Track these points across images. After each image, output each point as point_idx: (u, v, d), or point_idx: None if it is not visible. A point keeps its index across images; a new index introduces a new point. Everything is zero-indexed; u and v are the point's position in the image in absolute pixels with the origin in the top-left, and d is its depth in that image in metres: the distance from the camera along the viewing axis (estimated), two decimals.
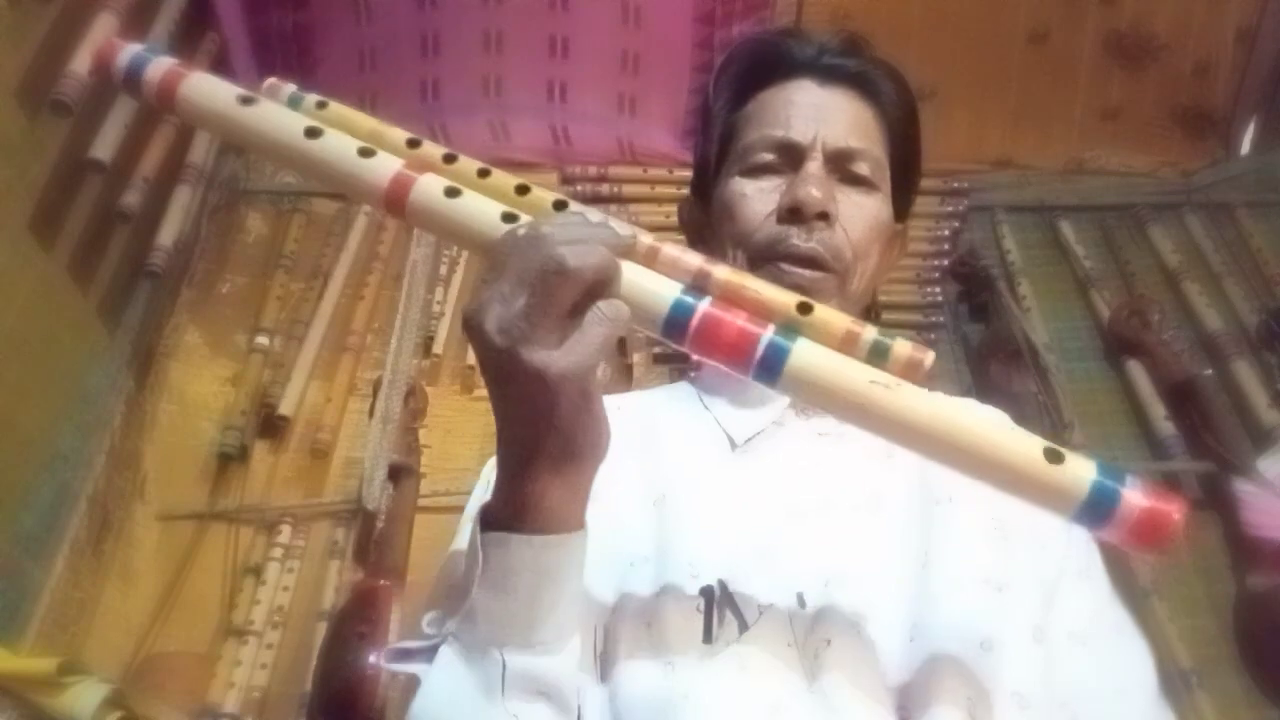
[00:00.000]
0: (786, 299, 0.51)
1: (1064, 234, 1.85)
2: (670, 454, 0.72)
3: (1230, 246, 1.82)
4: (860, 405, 0.48)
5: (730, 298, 0.50)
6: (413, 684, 0.56)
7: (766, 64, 0.81)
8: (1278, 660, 1.34)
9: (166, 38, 1.52)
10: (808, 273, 0.73)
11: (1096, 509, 0.47)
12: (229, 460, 1.52)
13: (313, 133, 0.54)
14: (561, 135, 1.85)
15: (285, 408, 1.54)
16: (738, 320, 0.49)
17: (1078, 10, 1.85)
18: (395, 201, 0.53)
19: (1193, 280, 1.77)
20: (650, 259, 0.51)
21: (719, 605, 0.61)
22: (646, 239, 0.51)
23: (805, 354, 0.49)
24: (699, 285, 0.51)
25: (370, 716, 1.20)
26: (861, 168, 0.76)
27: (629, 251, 0.50)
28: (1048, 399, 1.59)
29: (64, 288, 1.35)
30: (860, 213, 0.75)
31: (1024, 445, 0.48)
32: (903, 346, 0.50)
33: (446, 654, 0.53)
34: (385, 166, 0.53)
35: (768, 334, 0.49)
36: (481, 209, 0.52)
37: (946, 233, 1.82)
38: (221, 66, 1.73)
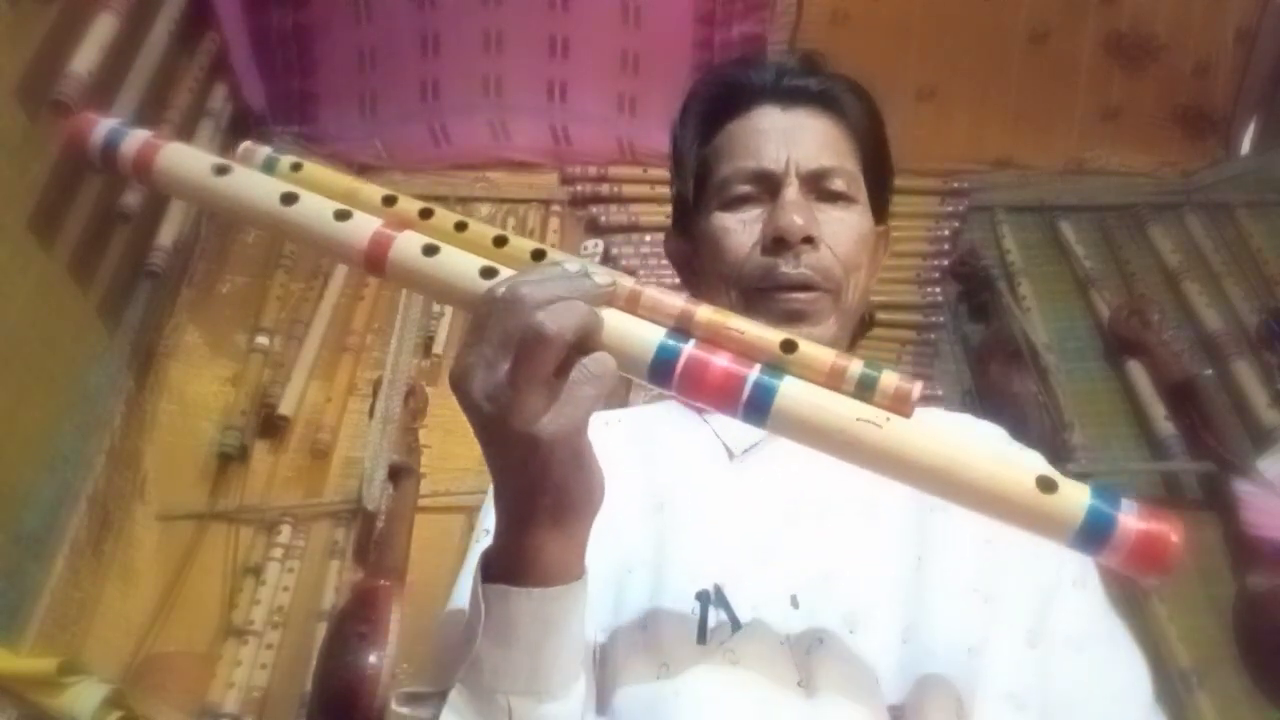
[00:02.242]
0: (770, 337, 0.50)
1: (1064, 234, 1.85)
2: (669, 464, 0.73)
3: (1230, 246, 1.82)
4: (849, 443, 0.49)
5: (714, 339, 0.50)
6: None
7: (729, 95, 0.82)
8: (1278, 660, 1.34)
9: (166, 38, 1.52)
10: (801, 295, 0.74)
11: (1092, 535, 0.47)
12: (229, 460, 1.52)
13: (289, 199, 0.55)
14: (561, 135, 1.85)
15: (285, 408, 1.54)
16: (723, 361, 0.50)
17: (1078, 10, 1.85)
18: (375, 262, 0.53)
19: (1193, 280, 1.77)
20: (632, 303, 0.51)
21: (713, 607, 0.62)
22: (627, 283, 0.51)
23: (792, 392, 0.49)
24: (682, 327, 0.51)
25: (370, 716, 1.20)
26: (837, 184, 0.77)
27: (610, 298, 0.50)
28: (1048, 399, 1.59)
29: (64, 288, 1.35)
30: (843, 228, 0.76)
31: (1016, 476, 0.48)
32: (889, 378, 0.50)
33: (454, 700, 0.53)
34: (363, 228, 0.54)
35: (754, 373, 0.49)
36: (460, 266, 0.52)
37: (946, 233, 1.82)
38: (221, 66, 1.74)
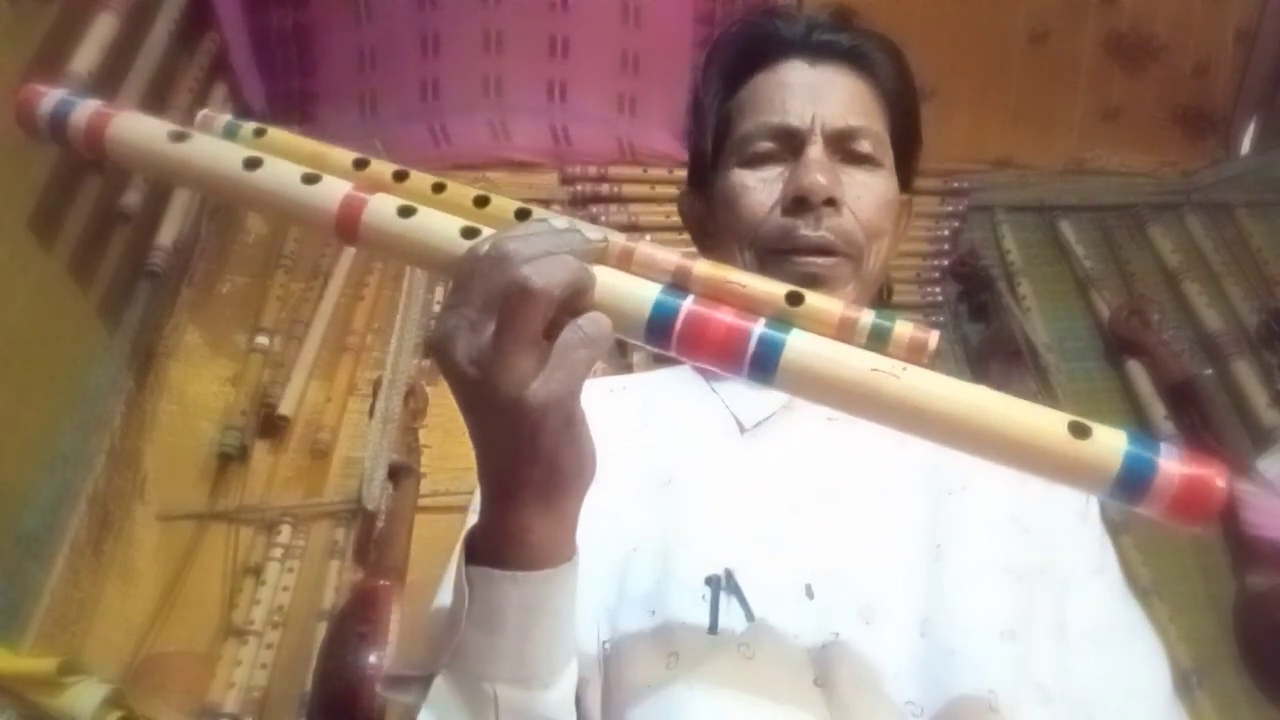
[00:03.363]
0: (774, 290, 0.47)
1: (1064, 234, 1.85)
2: (676, 437, 0.70)
3: (1230, 246, 1.82)
4: (865, 396, 0.45)
5: (714, 294, 0.47)
6: (408, 713, 0.54)
7: (756, 47, 0.78)
8: (1278, 660, 1.34)
9: (167, 38, 1.52)
10: (821, 260, 0.71)
11: (1132, 483, 0.43)
12: (229, 460, 1.52)
13: (252, 163, 0.51)
14: (561, 135, 1.85)
15: (285, 408, 1.54)
16: (725, 316, 0.46)
17: (1078, 10, 1.85)
18: (347, 227, 0.49)
19: (1193, 280, 1.77)
20: (625, 260, 0.48)
21: (725, 594, 0.59)
22: (619, 239, 0.48)
23: (801, 345, 0.46)
24: (679, 283, 0.47)
25: (370, 716, 1.20)
26: (863, 146, 0.74)
27: (601, 255, 0.47)
28: (1048, 399, 1.59)
29: (64, 288, 1.35)
30: (867, 192, 0.73)
31: (1046, 421, 0.44)
32: (904, 328, 0.46)
33: (439, 686, 0.51)
34: (333, 191, 0.50)
35: (759, 328, 0.46)
36: (439, 226, 0.48)
37: (946, 233, 1.82)
38: (221, 66, 1.74)
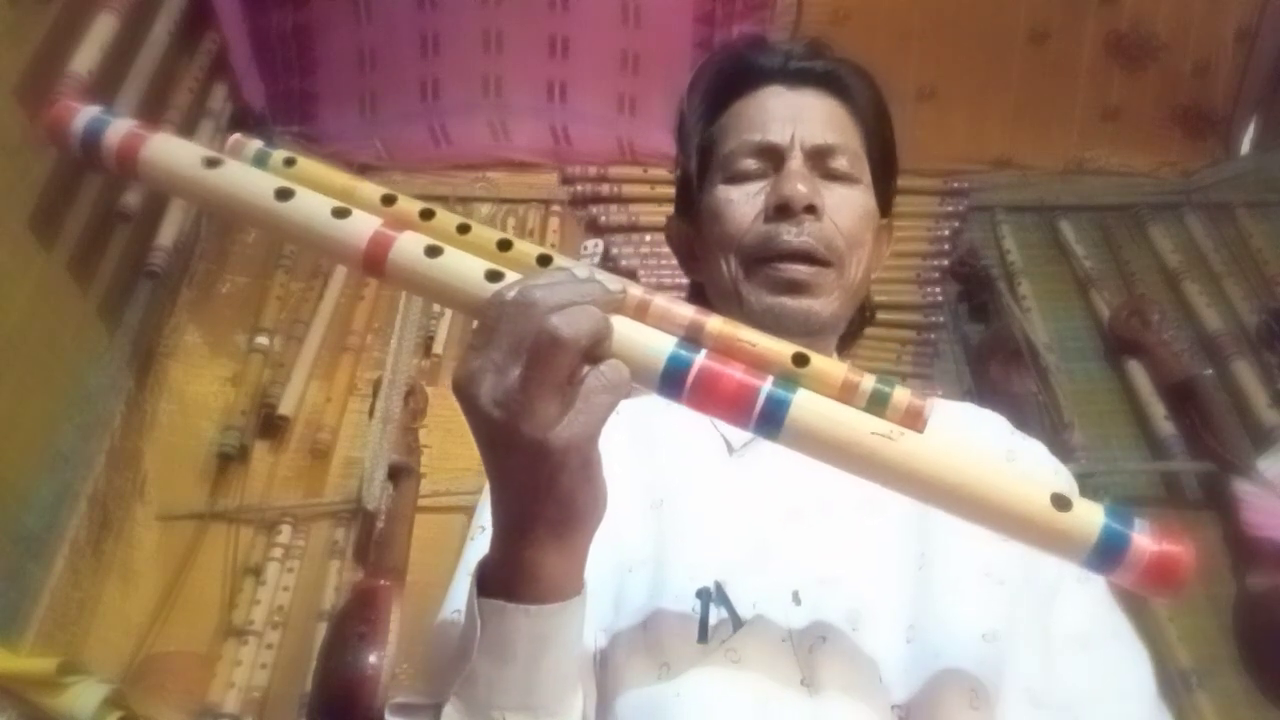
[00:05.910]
0: (782, 350, 0.49)
1: (1064, 234, 1.85)
2: (668, 459, 0.72)
3: (1230, 246, 1.82)
4: (862, 458, 0.48)
5: (724, 349, 0.49)
6: None
7: (736, 75, 0.83)
8: (1278, 660, 1.34)
9: (166, 38, 1.52)
10: (804, 268, 0.74)
11: (1106, 555, 0.47)
12: (229, 460, 1.52)
13: (284, 194, 0.52)
14: (561, 135, 1.85)
15: (285, 408, 1.54)
16: (735, 373, 0.48)
17: (1078, 10, 1.85)
18: (374, 263, 0.51)
19: (1193, 280, 1.77)
20: (641, 312, 0.50)
21: (714, 605, 0.61)
22: (636, 291, 0.50)
23: (806, 405, 0.48)
24: (691, 337, 0.50)
25: (370, 716, 1.20)
26: (840, 162, 0.78)
27: (619, 306, 0.49)
28: (1048, 399, 1.59)
29: (64, 288, 1.35)
30: (846, 204, 0.76)
31: (1030, 494, 0.48)
32: (902, 394, 0.49)
33: (449, 715, 0.52)
34: (361, 226, 0.51)
35: (767, 386, 0.48)
36: (464, 267, 0.50)
37: (946, 233, 1.82)
38: (221, 66, 1.74)
